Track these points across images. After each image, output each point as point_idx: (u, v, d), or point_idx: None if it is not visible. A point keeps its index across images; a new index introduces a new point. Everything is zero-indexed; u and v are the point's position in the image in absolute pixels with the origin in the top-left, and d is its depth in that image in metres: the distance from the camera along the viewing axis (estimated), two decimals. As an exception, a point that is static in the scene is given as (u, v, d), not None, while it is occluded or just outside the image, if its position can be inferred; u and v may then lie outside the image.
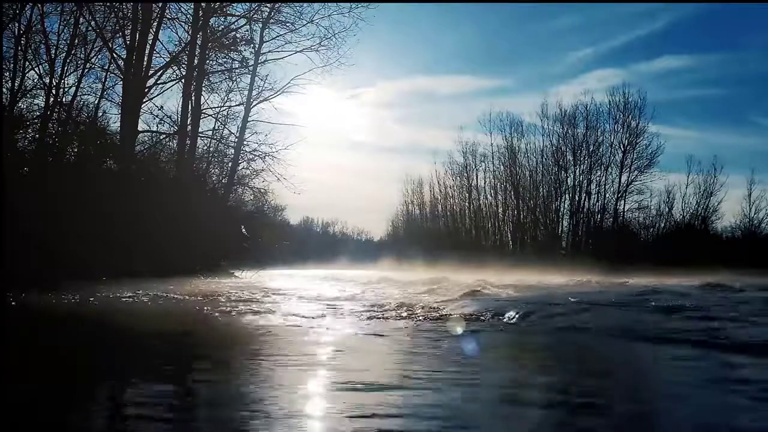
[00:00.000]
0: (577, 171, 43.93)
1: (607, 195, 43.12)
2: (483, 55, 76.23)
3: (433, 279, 18.50)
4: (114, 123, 19.75)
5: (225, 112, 22.10)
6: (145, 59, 18.92)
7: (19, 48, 15.80)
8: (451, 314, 7.81)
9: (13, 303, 8.71)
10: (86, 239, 12.68)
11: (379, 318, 7.52)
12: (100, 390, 3.68)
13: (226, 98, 21.85)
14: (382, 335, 6.07)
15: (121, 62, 18.89)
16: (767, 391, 3.63)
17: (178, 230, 16.18)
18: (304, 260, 46.31)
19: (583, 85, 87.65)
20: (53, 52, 16.63)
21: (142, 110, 19.28)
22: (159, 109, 20.26)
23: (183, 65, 20.45)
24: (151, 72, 19.31)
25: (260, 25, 21.42)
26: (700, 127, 66.19)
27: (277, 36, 21.58)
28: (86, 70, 17.69)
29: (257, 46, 21.50)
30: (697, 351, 5.21)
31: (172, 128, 20.76)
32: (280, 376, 4.03)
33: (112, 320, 7.58)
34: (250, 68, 21.60)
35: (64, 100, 16.79)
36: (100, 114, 18.73)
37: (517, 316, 7.41)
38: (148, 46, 18.89)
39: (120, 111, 18.65)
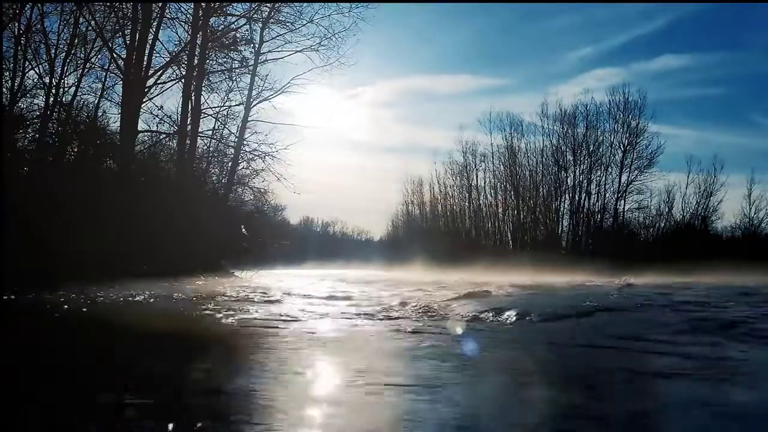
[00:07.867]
0: (577, 171, 44.00)
1: (607, 195, 43.20)
2: (483, 55, 76.45)
3: (433, 279, 18.51)
4: (114, 123, 19.82)
5: (225, 112, 22.14)
6: (145, 59, 18.95)
7: (19, 48, 15.86)
8: (451, 314, 7.81)
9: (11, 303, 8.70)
10: (86, 239, 12.69)
11: (378, 318, 7.51)
12: (98, 389, 3.68)
13: (226, 98, 21.88)
14: (381, 335, 6.07)
15: (121, 62, 18.93)
16: None
17: (178, 230, 16.19)
18: (304, 260, 46.36)
19: (583, 85, 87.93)
20: (53, 52, 16.71)
21: (142, 110, 19.33)
22: (159, 109, 20.28)
23: (183, 65, 20.49)
24: (151, 72, 19.35)
25: (260, 25, 21.47)
26: (700, 126, 66.34)
27: (277, 36, 21.64)
28: (86, 70, 17.78)
29: (257, 45, 21.54)
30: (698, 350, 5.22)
31: (172, 128, 20.78)
32: (277, 378, 4.02)
33: (112, 320, 7.57)
34: (250, 68, 21.63)
35: (64, 99, 16.87)
36: (100, 114, 18.82)
37: (516, 316, 7.41)
38: (148, 46, 18.92)
39: (120, 111, 18.68)
